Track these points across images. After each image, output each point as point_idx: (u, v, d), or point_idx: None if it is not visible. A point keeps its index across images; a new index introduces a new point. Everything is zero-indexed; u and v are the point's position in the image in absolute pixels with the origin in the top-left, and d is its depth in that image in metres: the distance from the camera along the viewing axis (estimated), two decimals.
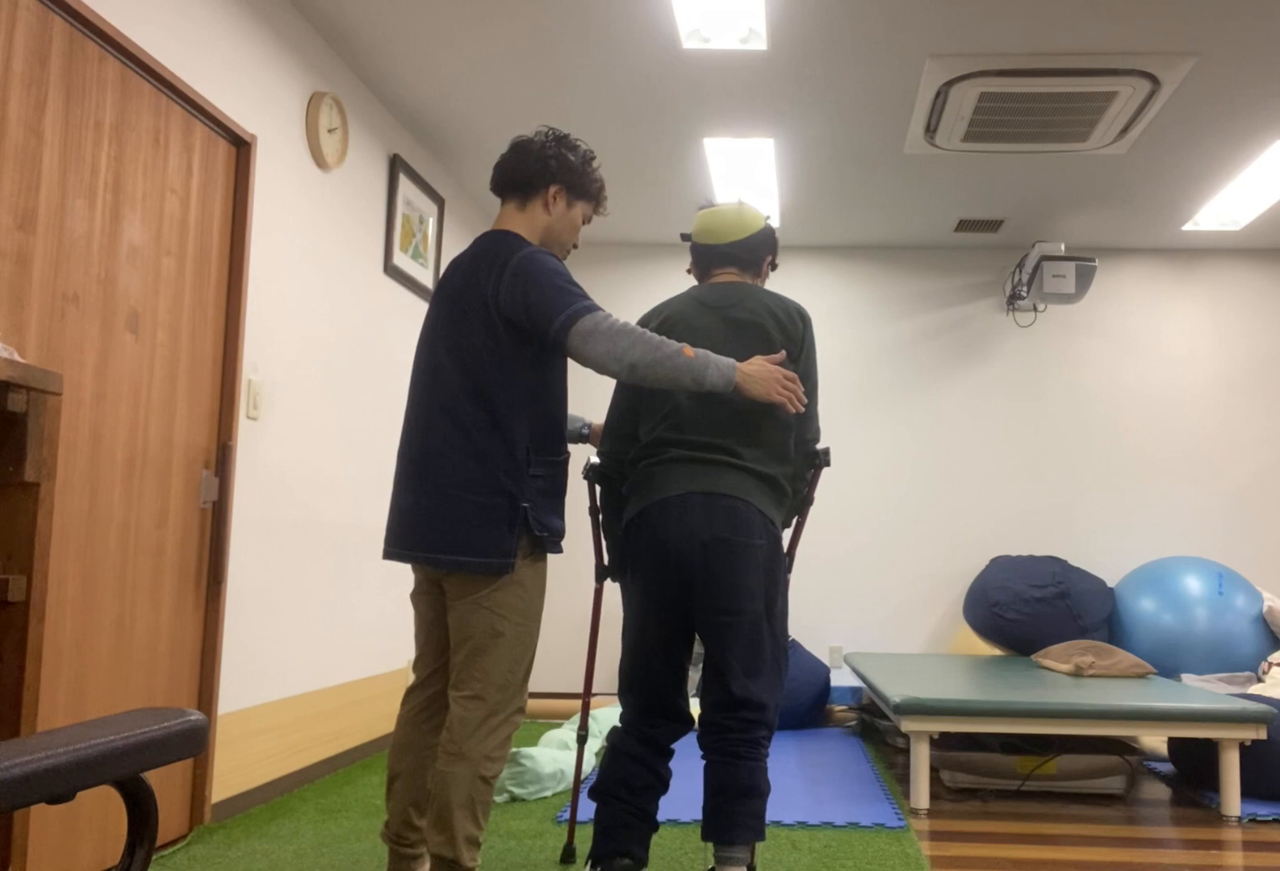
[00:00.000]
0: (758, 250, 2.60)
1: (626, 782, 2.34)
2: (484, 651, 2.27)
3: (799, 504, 2.59)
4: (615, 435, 2.55)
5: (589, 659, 2.80)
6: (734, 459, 2.38)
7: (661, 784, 2.39)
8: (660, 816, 3.36)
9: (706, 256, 2.61)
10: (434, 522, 2.27)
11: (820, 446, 2.58)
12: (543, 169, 2.41)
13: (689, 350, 2.20)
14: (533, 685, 5.99)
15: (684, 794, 3.67)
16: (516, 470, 2.27)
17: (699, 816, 3.36)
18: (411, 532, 2.31)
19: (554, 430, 2.36)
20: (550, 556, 6.04)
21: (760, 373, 2.26)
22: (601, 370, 2.23)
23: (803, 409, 2.32)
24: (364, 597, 4.27)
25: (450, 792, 2.22)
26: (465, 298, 2.33)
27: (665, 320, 2.53)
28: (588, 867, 2.33)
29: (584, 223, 2.52)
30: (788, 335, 2.47)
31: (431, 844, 2.24)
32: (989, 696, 3.62)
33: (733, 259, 2.59)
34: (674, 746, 2.53)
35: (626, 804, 2.33)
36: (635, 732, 2.40)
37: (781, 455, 2.45)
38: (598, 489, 2.62)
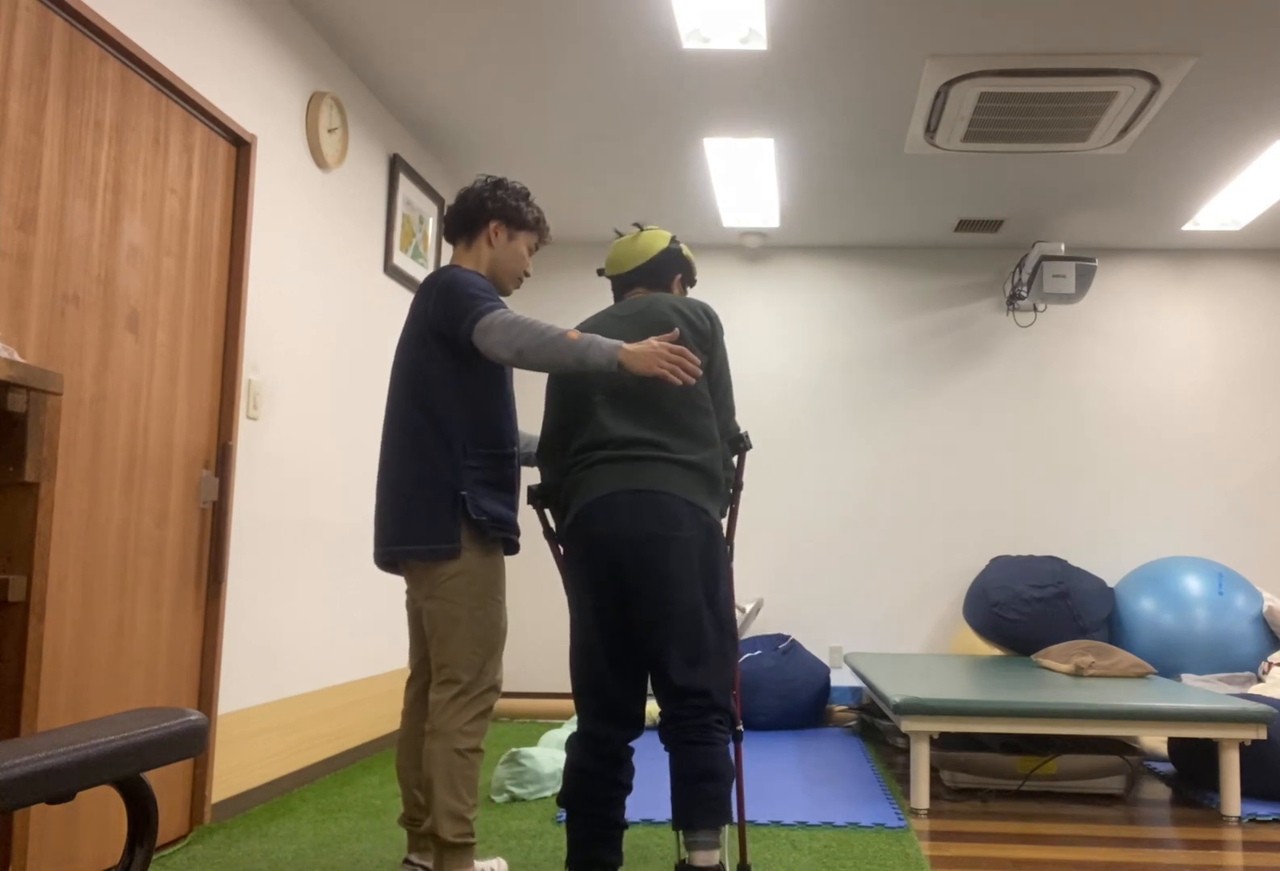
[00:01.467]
0: (659, 271, 2.72)
1: (588, 796, 2.38)
2: (447, 638, 2.50)
3: (729, 490, 2.61)
4: (548, 455, 2.60)
5: None
6: (660, 451, 2.43)
7: (623, 789, 2.41)
8: (659, 816, 3.37)
9: (616, 285, 2.77)
10: (392, 518, 2.55)
11: (741, 431, 2.63)
12: (480, 209, 2.69)
13: (573, 334, 2.37)
14: (532, 685, 5.99)
15: None
16: (455, 464, 2.51)
17: None
18: (379, 531, 2.59)
19: (490, 426, 2.57)
20: (550, 557, 6.04)
21: (642, 348, 2.35)
22: (497, 359, 2.44)
23: (691, 381, 2.36)
24: (364, 597, 4.27)
25: (431, 769, 2.44)
26: (411, 320, 2.63)
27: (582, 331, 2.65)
28: None
29: (530, 252, 2.77)
30: (697, 331, 2.56)
31: (428, 825, 2.45)
32: (989, 696, 3.62)
33: (637, 283, 2.73)
34: (635, 744, 2.54)
35: (591, 817, 2.37)
36: (589, 744, 2.41)
37: (707, 440, 2.49)
38: (548, 514, 2.64)
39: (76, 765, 1.36)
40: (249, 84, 3.36)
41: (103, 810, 2.72)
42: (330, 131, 3.88)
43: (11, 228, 2.37)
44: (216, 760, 3.23)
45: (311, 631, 3.83)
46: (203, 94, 3.10)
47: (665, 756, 4.27)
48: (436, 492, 2.49)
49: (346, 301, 4.10)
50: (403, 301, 4.66)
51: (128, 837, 1.55)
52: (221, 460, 3.22)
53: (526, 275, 2.77)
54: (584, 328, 2.65)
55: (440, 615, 2.49)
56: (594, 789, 2.37)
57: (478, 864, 2.64)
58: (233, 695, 3.32)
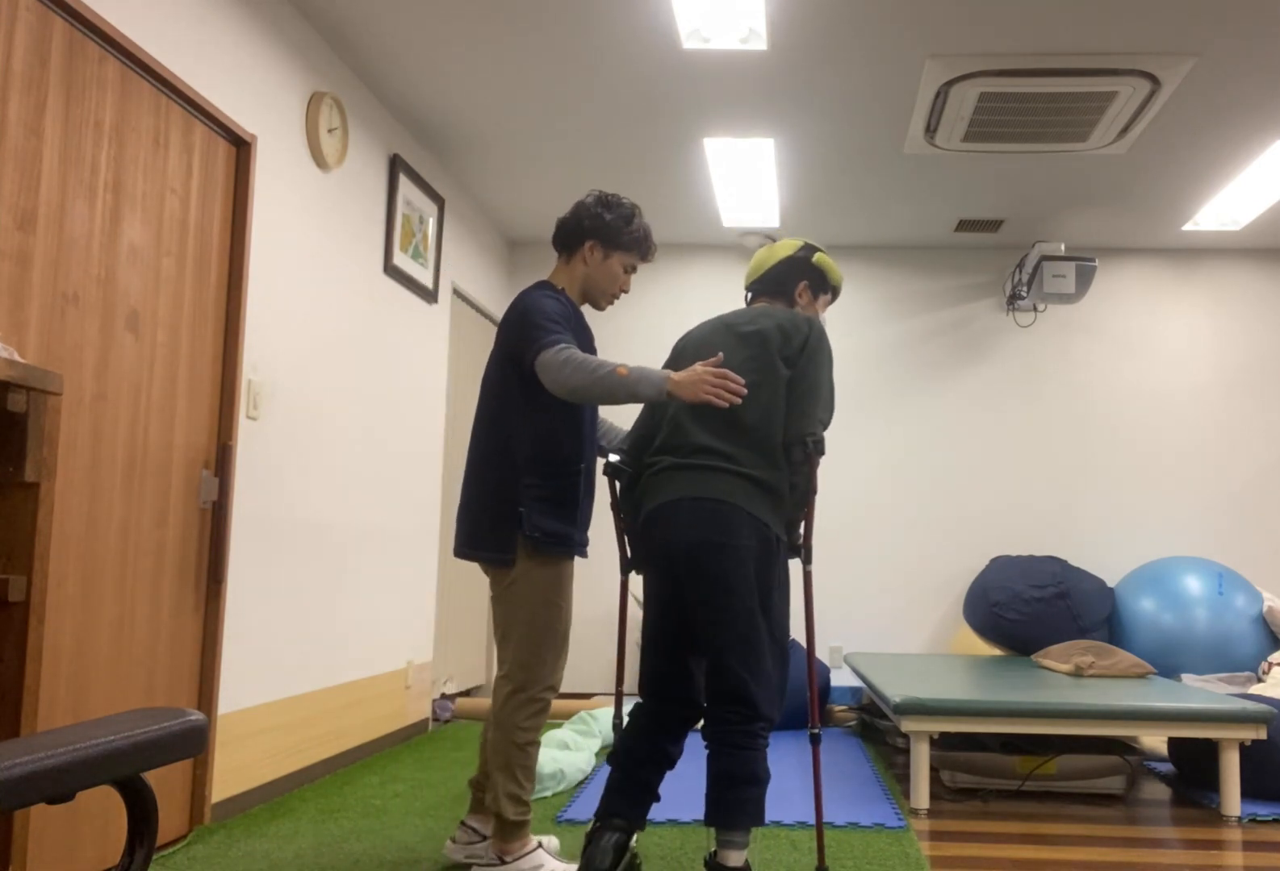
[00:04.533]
0: (780, 280, 2.81)
1: (631, 753, 2.53)
2: (507, 639, 2.71)
3: (802, 496, 2.61)
4: (633, 436, 2.77)
5: (618, 651, 2.86)
6: (726, 463, 2.51)
7: (664, 758, 2.54)
8: (660, 816, 3.36)
9: (748, 294, 2.90)
10: (465, 524, 2.79)
11: (811, 437, 2.59)
12: (578, 227, 2.83)
13: (623, 370, 2.48)
14: None
15: (684, 794, 3.67)
16: (516, 481, 2.71)
17: (699, 816, 3.37)
18: (457, 531, 2.83)
19: (555, 446, 2.73)
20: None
21: (687, 377, 2.44)
22: (555, 395, 2.59)
23: (737, 400, 2.45)
24: (364, 597, 4.27)
25: (493, 757, 2.68)
26: (496, 339, 2.82)
27: (684, 341, 2.80)
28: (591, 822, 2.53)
29: (628, 271, 2.88)
30: (788, 338, 2.62)
31: (490, 803, 2.69)
32: (989, 696, 3.62)
33: (760, 292, 2.85)
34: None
35: (627, 772, 2.51)
36: (647, 710, 2.57)
37: (774, 457, 2.54)
38: (618, 485, 2.79)
39: (76, 765, 1.36)
40: (249, 84, 3.36)
41: (103, 810, 2.72)
42: (330, 131, 3.88)
43: (11, 228, 2.37)
44: (216, 760, 3.23)
45: (311, 631, 3.83)
46: (203, 94, 3.10)
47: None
48: (499, 507, 2.71)
49: (346, 301, 4.10)
50: (403, 302, 4.66)
51: (128, 837, 1.55)
52: (221, 460, 3.22)
53: (624, 291, 2.91)
54: (692, 332, 2.78)
55: (502, 616, 2.73)
56: (635, 747, 2.51)
57: (554, 863, 2.74)
58: (233, 695, 3.32)
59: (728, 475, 2.49)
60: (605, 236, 2.82)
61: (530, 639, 2.68)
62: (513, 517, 2.69)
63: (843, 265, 6.24)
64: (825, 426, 2.59)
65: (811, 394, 2.59)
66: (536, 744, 2.70)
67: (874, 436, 6.11)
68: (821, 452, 2.57)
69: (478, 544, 2.73)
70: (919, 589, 6.01)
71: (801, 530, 2.67)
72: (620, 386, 2.47)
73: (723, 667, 2.44)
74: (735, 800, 2.36)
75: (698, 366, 2.46)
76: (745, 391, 2.46)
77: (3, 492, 1.85)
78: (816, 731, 2.59)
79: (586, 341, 2.87)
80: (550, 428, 2.72)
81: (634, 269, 2.90)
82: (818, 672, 5.25)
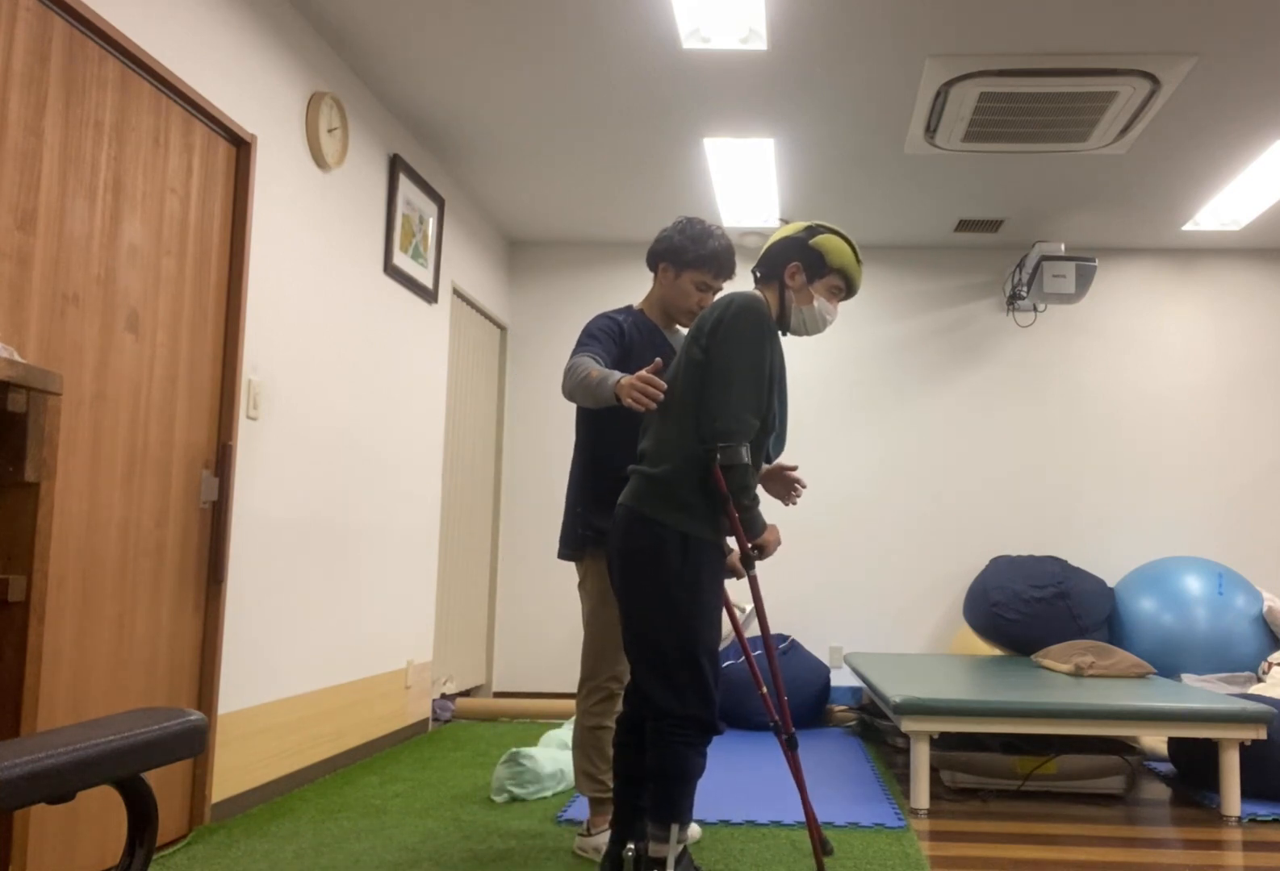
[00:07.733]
0: (772, 263, 2.68)
1: (625, 774, 2.64)
2: (585, 631, 3.00)
3: (722, 501, 2.48)
4: None
5: None
6: (643, 466, 2.57)
7: (626, 774, 2.63)
8: None
9: (754, 276, 2.80)
10: None
11: (718, 442, 2.43)
12: (653, 252, 3.05)
13: (594, 372, 2.65)
14: (530, 685, 5.99)
15: (700, 796, 3.66)
16: (582, 484, 3.02)
17: (701, 816, 3.37)
18: None
19: (608, 451, 2.96)
20: (549, 560, 6.05)
21: (624, 380, 2.55)
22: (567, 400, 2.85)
23: (651, 405, 2.45)
24: (364, 597, 4.27)
25: (574, 738, 3.01)
26: None
27: None
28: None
29: (700, 289, 2.99)
30: (702, 322, 2.58)
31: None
32: (989, 696, 3.62)
33: (759, 275, 2.72)
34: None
35: (624, 795, 2.63)
36: (620, 720, 2.67)
37: (673, 450, 2.50)
38: None
39: (76, 765, 1.36)
40: (249, 84, 3.36)
41: (103, 810, 2.72)
42: (330, 131, 3.88)
43: (11, 228, 2.37)
44: (216, 760, 3.23)
45: (311, 631, 3.83)
46: (203, 94, 3.10)
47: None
48: (571, 508, 3.03)
49: (346, 301, 4.10)
50: (403, 301, 4.66)
51: (128, 837, 1.55)
52: (221, 460, 3.22)
53: (701, 308, 3.00)
54: None
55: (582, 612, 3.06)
56: (620, 760, 2.62)
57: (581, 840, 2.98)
58: (233, 695, 3.31)
59: (637, 478, 2.56)
60: (674, 257, 2.98)
61: (591, 632, 2.96)
62: (577, 517, 2.99)
63: None
64: (747, 421, 2.43)
65: (722, 383, 2.44)
66: (604, 729, 2.94)
67: (874, 436, 6.11)
68: (729, 463, 2.40)
69: (560, 541, 3.06)
70: (919, 589, 6.01)
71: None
72: (590, 388, 2.65)
73: (633, 669, 2.54)
74: (653, 794, 2.43)
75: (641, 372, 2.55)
76: (659, 395, 2.45)
77: (3, 492, 1.85)
78: (790, 735, 2.61)
79: (646, 352, 2.97)
80: (604, 434, 2.97)
81: (708, 287, 2.99)
82: (817, 672, 5.26)
